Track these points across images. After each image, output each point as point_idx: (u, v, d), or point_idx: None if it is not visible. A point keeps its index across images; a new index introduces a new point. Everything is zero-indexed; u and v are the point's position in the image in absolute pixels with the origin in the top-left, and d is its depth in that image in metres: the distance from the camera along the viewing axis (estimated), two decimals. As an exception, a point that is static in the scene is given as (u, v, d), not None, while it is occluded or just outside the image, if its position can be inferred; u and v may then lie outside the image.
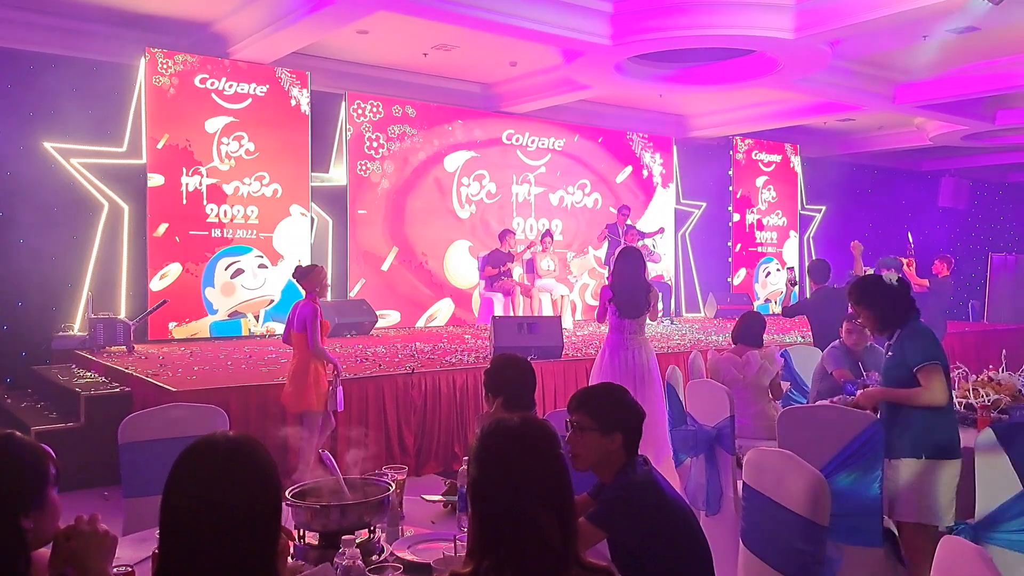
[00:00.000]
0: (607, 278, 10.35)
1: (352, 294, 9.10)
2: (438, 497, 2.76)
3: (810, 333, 6.66)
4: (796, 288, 7.11)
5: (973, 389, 4.25)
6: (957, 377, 4.31)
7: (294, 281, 5.17)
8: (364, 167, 9.39)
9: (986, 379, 4.39)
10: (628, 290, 5.43)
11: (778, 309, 12.45)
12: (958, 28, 7.60)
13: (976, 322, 11.40)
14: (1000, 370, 4.54)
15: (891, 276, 3.38)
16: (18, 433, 1.64)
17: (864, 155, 13.89)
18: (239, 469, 1.40)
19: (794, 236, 13.10)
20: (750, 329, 5.08)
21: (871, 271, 6.82)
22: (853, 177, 14.07)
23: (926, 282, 8.30)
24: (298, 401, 4.84)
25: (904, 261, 8.46)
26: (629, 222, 10.42)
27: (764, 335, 5.18)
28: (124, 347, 6.98)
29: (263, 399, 5.24)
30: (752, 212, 12.56)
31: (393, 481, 2.38)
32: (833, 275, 6.68)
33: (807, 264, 6.71)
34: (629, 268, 5.49)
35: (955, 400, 4.14)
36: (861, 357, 5.04)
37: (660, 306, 7.28)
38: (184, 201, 7.93)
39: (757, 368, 4.85)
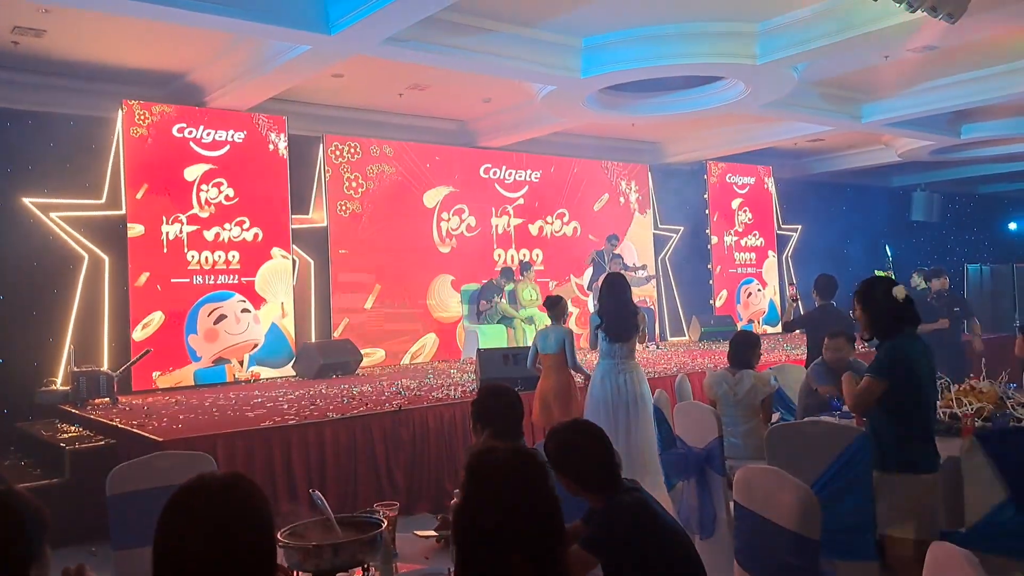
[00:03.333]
0: (592, 305, 10.47)
1: (336, 334, 9.09)
2: (431, 532, 2.75)
3: (799, 351, 6.73)
4: (796, 304, 7.18)
5: (956, 399, 4.31)
6: (940, 388, 4.36)
7: (545, 311, 6.11)
8: (344, 207, 9.44)
9: (968, 388, 4.46)
10: (615, 314, 5.48)
11: (762, 329, 12.57)
12: (917, 48, 7.83)
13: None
14: (981, 379, 4.62)
15: (900, 291, 3.38)
16: (15, 487, 1.65)
17: (836, 173, 14.14)
18: (234, 507, 1.38)
19: (772, 256, 13.25)
20: (740, 353, 5.09)
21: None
22: (826, 196, 14.30)
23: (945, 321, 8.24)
24: (566, 415, 5.30)
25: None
26: (617, 252, 10.56)
27: (756, 356, 5.17)
28: (108, 399, 6.92)
29: (249, 444, 5.20)
30: (730, 234, 12.70)
31: (385, 518, 2.38)
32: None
33: (814, 280, 6.78)
34: (615, 292, 5.55)
35: (939, 411, 4.20)
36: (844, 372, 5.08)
37: (645, 330, 7.34)
38: (165, 249, 7.93)
39: (749, 387, 4.88)
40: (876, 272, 8.99)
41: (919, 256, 14.14)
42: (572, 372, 5.89)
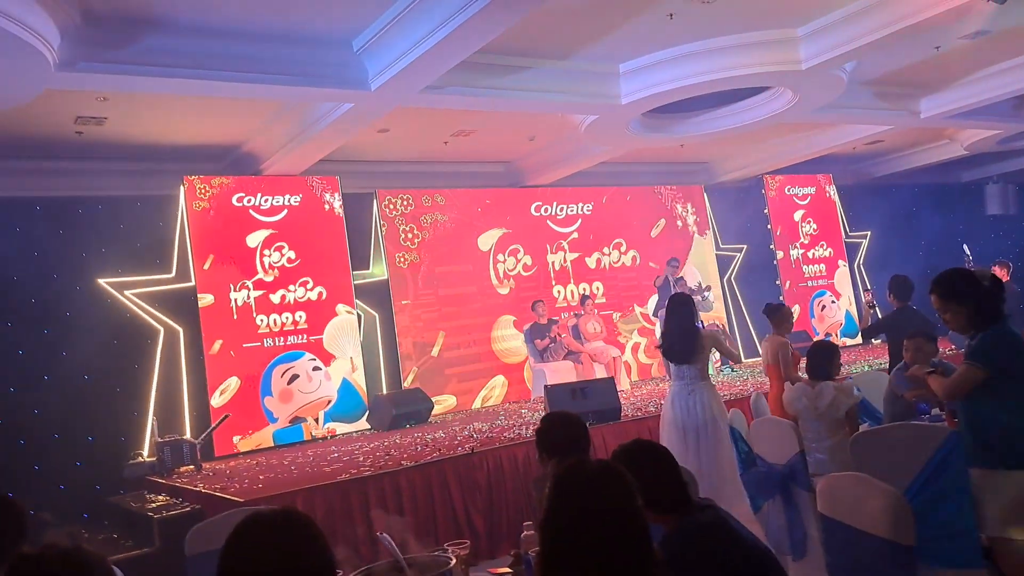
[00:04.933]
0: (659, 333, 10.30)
1: (406, 384, 9.15)
2: (505, 569, 2.69)
3: (882, 361, 6.44)
4: (873, 310, 6.93)
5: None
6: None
7: (766, 316, 5.88)
8: (402, 259, 9.58)
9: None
10: (673, 335, 5.39)
11: (840, 342, 12.12)
12: (969, 34, 7.56)
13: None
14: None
15: (984, 273, 3.27)
16: (82, 545, 1.68)
17: (900, 174, 13.67)
18: (298, 533, 1.41)
19: (843, 265, 12.84)
20: (818, 363, 4.92)
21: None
22: (893, 198, 13.81)
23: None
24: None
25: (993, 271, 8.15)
26: (679, 275, 10.40)
27: (835, 366, 4.99)
28: (192, 466, 7.08)
29: (328, 498, 5.23)
30: (795, 247, 12.38)
31: (455, 555, 2.34)
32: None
33: (888, 281, 6.54)
34: (675, 313, 5.46)
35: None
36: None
37: (734, 349, 7.14)
38: (235, 316, 8.16)
39: (830, 399, 4.67)
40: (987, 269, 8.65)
41: (1001, 251, 13.46)
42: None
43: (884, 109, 9.53)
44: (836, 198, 13.03)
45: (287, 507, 1.48)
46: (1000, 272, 8.18)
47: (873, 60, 7.93)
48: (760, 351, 6.69)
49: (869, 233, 13.30)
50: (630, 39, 6.94)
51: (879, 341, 10.08)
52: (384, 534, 2.47)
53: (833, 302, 12.51)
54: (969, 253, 9.34)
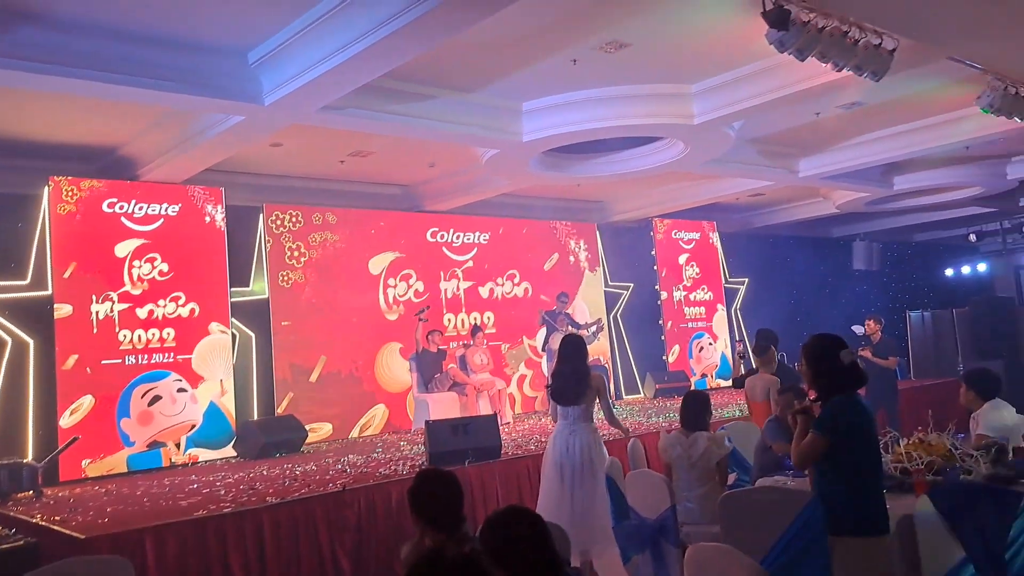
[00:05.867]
0: (546, 367, 10.34)
1: (280, 410, 8.77)
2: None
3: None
4: (743, 359, 7.18)
5: (906, 453, 4.26)
6: (889, 442, 4.30)
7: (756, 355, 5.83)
8: (286, 278, 9.23)
9: (917, 441, 4.42)
10: (565, 378, 5.38)
11: (715, 383, 12.57)
12: (846, 104, 8.07)
13: (903, 379, 11.66)
14: (928, 430, 4.58)
15: (847, 355, 3.33)
16: None
17: (778, 226, 14.43)
18: None
19: (722, 309, 13.35)
20: (693, 412, 5.00)
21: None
22: (770, 248, 14.55)
23: (894, 360, 8.45)
24: None
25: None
26: (567, 311, 10.49)
27: (709, 415, 5.09)
28: (32, 492, 6.48)
29: (181, 536, 4.87)
30: (678, 289, 12.78)
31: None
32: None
33: (755, 333, 6.79)
34: (570, 358, 5.45)
35: (890, 466, 4.12)
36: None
37: (610, 391, 7.24)
38: (95, 330, 7.59)
39: (703, 449, 4.76)
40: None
41: (866, 303, 14.38)
42: None
43: (767, 166, 10.04)
44: (718, 244, 13.57)
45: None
46: (873, 326, 8.67)
47: (759, 121, 8.33)
48: (746, 387, 6.84)
49: (747, 280, 13.91)
50: (535, 79, 7.00)
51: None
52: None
53: (711, 344, 12.96)
54: (859, 333, 9.62)
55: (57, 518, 5.34)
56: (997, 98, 6.86)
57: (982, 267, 16.47)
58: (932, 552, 3.38)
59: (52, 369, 7.36)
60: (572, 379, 5.37)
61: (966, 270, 16.61)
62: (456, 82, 6.98)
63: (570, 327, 9.79)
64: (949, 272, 16.78)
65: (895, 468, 4.12)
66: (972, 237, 15.52)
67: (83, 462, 7.32)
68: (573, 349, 5.49)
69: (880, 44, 5.57)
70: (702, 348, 12.88)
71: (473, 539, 2.64)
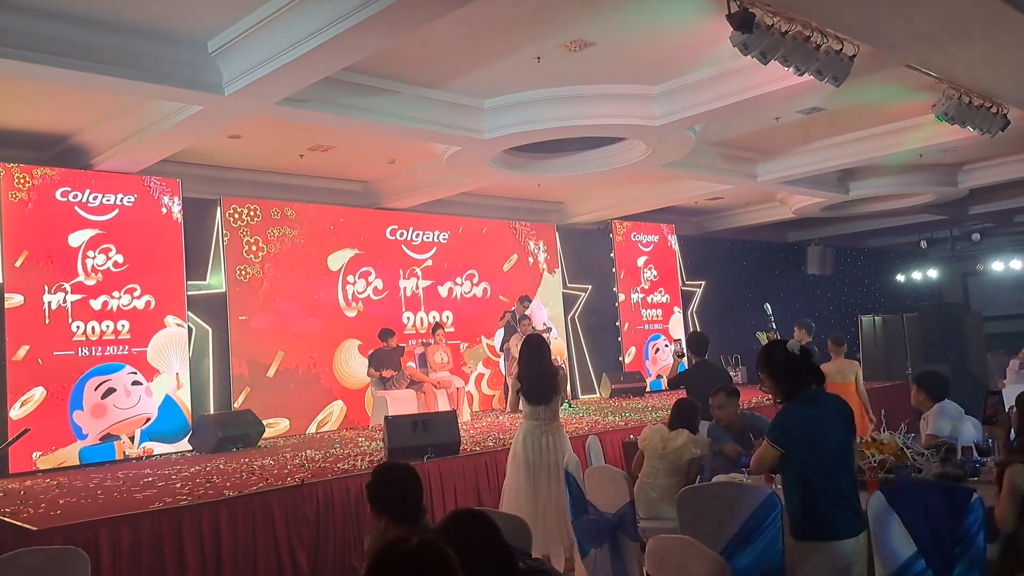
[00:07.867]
0: (504, 366, 10.37)
1: (236, 405, 8.65)
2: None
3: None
4: (680, 360, 7.22)
5: (859, 451, 4.37)
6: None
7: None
8: (243, 272, 9.10)
9: (869, 440, 4.53)
10: (535, 376, 5.39)
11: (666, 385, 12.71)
12: (805, 109, 8.25)
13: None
14: (881, 430, 4.71)
15: (793, 344, 3.28)
16: None
17: (735, 230, 14.67)
18: None
19: (678, 312, 13.52)
20: (685, 416, 5.19)
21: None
22: (727, 252, 14.79)
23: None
24: None
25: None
26: (526, 313, 10.53)
27: (698, 422, 5.24)
28: (-23, 486, 6.29)
29: (136, 529, 4.78)
30: (636, 291, 12.91)
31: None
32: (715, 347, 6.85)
33: (687, 337, 6.86)
34: (535, 354, 5.48)
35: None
36: (742, 428, 5.11)
37: (568, 390, 7.27)
38: (47, 320, 7.40)
39: (680, 444, 4.88)
40: (757, 335, 9.19)
41: (818, 307, 14.70)
42: None
43: (726, 170, 10.21)
44: (676, 247, 13.75)
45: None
46: (800, 334, 8.64)
47: (720, 124, 8.47)
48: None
49: (704, 283, 14.11)
50: (498, 76, 7.01)
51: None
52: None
53: (667, 346, 13.11)
54: (771, 312, 9.89)
55: (8, 510, 5.20)
56: (952, 107, 7.09)
57: (932, 273, 16.94)
58: (884, 548, 3.47)
59: (2, 360, 7.15)
60: (542, 378, 5.41)
61: (917, 276, 17.07)
62: (419, 77, 6.96)
63: (532, 329, 9.83)
64: (900, 278, 17.24)
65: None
66: (923, 244, 15.98)
67: (34, 454, 7.13)
68: (541, 349, 5.53)
69: (841, 50, 5.71)
70: (658, 350, 13.03)
71: (434, 531, 2.64)
